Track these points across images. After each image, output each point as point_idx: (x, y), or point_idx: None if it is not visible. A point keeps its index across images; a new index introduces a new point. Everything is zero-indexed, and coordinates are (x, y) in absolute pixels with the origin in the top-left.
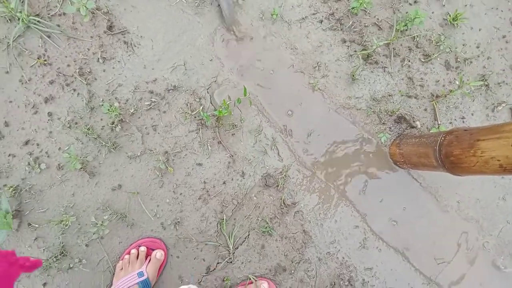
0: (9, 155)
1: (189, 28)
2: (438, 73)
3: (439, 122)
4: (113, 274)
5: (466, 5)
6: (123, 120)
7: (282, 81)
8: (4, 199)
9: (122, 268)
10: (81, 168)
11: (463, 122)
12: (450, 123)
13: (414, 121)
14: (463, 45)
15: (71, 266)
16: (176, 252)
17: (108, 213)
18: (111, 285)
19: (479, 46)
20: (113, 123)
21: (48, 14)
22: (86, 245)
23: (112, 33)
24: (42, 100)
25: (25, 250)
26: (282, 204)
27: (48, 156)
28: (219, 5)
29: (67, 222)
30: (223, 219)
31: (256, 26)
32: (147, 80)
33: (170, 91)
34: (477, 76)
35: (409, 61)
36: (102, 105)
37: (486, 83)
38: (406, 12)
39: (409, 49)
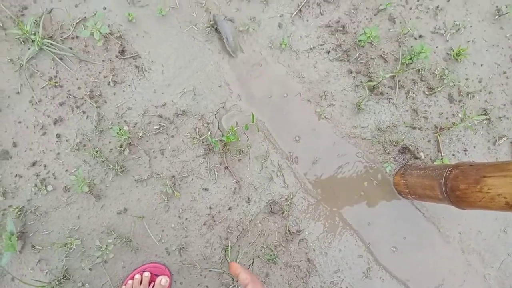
0: (16, 175)
1: (200, 55)
2: (442, 106)
3: (443, 154)
4: None
5: (468, 41)
6: (132, 143)
7: (289, 109)
8: (10, 220)
9: None
10: (88, 191)
11: (465, 154)
12: (453, 155)
13: (418, 152)
14: (466, 79)
15: None
16: (180, 279)
17: (112, 236)
18: None
19: (481, 81)
20: (121, 146)
21: (61, 36)
22: (90, 269)
23: (124, 57)
24: (51, 121)
25: (28, 272)
26: (287, 232)
27: (55, 178)
28: (219, 32)
29: (72, 245)
30: (228, 246)
31: (265, 55)
32: (156, 104)
33: (179, 115)
34: (479, 109)
35: (413, 93)
36: (111, 128)
37: (488, 117)
38: (411, 46)
39: (414, 81)
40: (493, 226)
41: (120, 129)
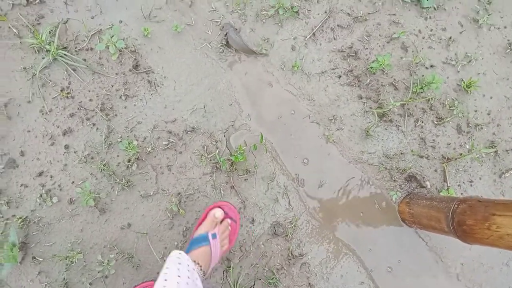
0: (21, 185)
1: (212, 72)
2: (450, 136)
3: (449, 184)
4: None
5: (479, 73)
6: (140, 158)
7: (297, 131)
8: (13, 231)
9: None
10: (94, 204)
11: (471, 185)
12: (459, 185)
13: (424, 181)
14: (475, 111)
15: None
16: None
17: (115, 252)
18: None
19: (490, 113)
20: (129, 160)
21: (76, 48)
22: (90, 284)
23: (137, 71)
24: (60, 132)
25: (27, 284)
26: (290, 255)
27: (60, 189)
28: (226, 34)
29: (73, 259)
30: (230, 266)
31: (277, 76)
32: (166, 120)
33: (188, 132)
34: (487, 141)
35: (422, 122)
36: (120, 141)
37: (495, 149)
38: (422, 75)
39: (423, 110)
40: (496, 259)
41: (129, 143)
